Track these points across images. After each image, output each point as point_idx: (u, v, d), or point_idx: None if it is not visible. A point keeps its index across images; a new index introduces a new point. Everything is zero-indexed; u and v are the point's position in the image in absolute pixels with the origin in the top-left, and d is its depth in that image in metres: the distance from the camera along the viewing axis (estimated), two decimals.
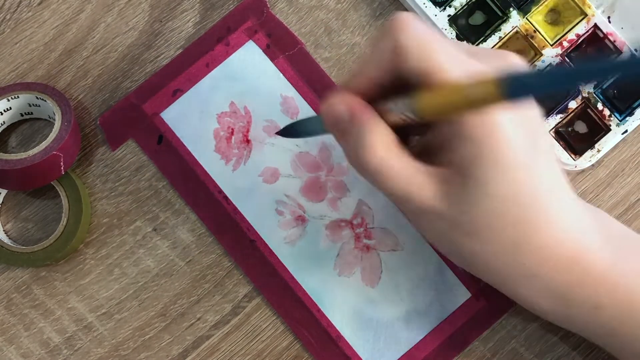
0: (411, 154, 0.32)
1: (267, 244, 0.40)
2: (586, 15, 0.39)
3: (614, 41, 0.39)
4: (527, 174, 0.31)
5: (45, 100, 0.39)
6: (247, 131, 0.41)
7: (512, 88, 0.25)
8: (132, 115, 0.40)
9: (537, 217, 0.32)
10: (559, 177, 0.33)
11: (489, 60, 0.32)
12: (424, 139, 0.34)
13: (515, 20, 0.40)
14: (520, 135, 0.31)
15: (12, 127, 0.41)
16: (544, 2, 0.40)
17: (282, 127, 0.38)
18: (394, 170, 0.31)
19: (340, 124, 0.32)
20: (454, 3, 0.40)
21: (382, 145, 0.31)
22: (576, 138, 0.40)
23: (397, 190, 0.32)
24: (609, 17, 0.40)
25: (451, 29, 0.40)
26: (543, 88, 0.25)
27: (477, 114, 0.30)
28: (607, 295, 0.33)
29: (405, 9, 0.41)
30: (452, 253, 0.35)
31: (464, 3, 0.40)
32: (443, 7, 0.40)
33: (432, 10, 0.40)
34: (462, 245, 0.33)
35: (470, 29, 0.40)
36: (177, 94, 0.41)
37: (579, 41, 0.39)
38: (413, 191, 0.31)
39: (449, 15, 0.40)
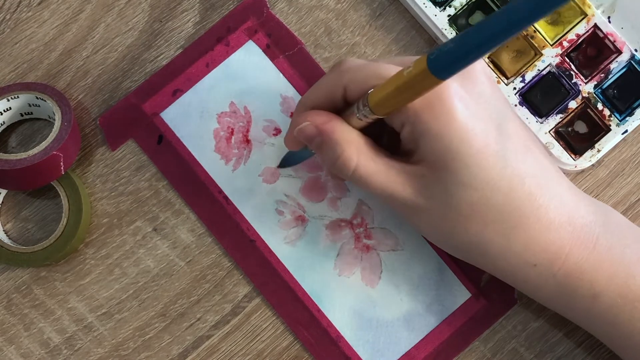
0: (387, 153, 0.34)
1: (267, 244, 0.40)
2: (586, 15, 0.39)
3: (614, 41, 0.39)
4: (497, 161, 0.32)
5: (45, 100, 0.39)
6: (247, 131, 0.41)
7: (436, 61, 0.27)
8: (132, 115, 0.40)
9: (522, 203, 0.33)
10: (540, 162, 0.34)
11: None
12: (401, 143, 0.35)
13: None
14: (480, 122, 0.32)
15: (12, 127, 0.41)
16: None
17: (280, 161, 0.40)
18: (371, 173, 0.33)
19: (313, 141, 0.34)
20: (454, 3, 0.40)
21: (354, 153, 0.33)
22: (576, 138, 0.40)
23: (378, 191, 0.34)
24: (609, 17, 0.40)
25: (451, 29, 0.40)
26: (463, 54, 0.26)
27: (429, 108, 0.31)
28: (606, 283, 0.33)
29: (405, 10, 0.41)
30: (446, 246, 0.36)
31: (464, 3, 0.40)
32: (443, 7, 0.40)
33: (432, 10, 0.40)
34: (450, 236, 0.34)
35: None
36: (177, 94, 0.41)
37: (579, 41, 0.39)
38: (394, 190, 0.33)
39: (449, 15, 0.40)
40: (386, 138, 0.36)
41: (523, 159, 0.33)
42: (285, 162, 0.40)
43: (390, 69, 0.32)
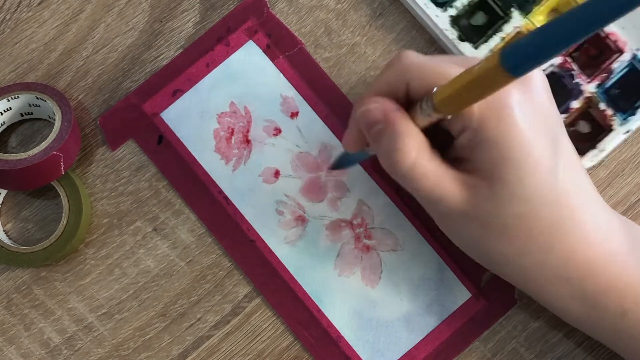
0: (442, 158, 0.33)
1: (267, 244, 0.40)
2: None
3: (616, 41, 0.39)
4: (550, 175, 0.32)
5: (45, 101, 0.39)
6: (247, 131, 0.40)
7: (511, 55, 0.26)
8: (132, 115, 0.40)
9: (566, 219, 0.33)
10: (582, 179, 0.34)
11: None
12: (454, 149, 0.34)
13: (516, 21, 0.39)
14: (539, 135, 0.31)
15: (12, 127, 0.41)
16: (545, 2, 0.40)
17: (332, 162, 0.40)
18: (425, 173, 0.32)
19: (375, 127, 0.32)
20: (455, 3, 0.39)
21: (414, 148, 0.31)
22: (579, 138, 0.39)
23: (427, 192, 0.32)
24: None
25: (453, 29, 0.39)
26: (540, 49, 0.25)
27: (495, 116, 0.30)
28: (634, 301, 0.33)
29: (406, 10, 0.41)
30: (481, 256, 0.35)
31: (466, 3, 0.40)
32: (444, 7, 0.40)
33: (433, 10, 0.39)
34: (490, 247, 0.34)
35: (472, 29, 0.40)
36: (177, 94, 0.41)
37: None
38: (443, 194, 0.32)
39: (450, 16, 0.39)
40: (435, 143, 0.34)
41: (571, 175, 0.33)
42: (339, 164, 0.39)
43: (455, 68, 0.31)
